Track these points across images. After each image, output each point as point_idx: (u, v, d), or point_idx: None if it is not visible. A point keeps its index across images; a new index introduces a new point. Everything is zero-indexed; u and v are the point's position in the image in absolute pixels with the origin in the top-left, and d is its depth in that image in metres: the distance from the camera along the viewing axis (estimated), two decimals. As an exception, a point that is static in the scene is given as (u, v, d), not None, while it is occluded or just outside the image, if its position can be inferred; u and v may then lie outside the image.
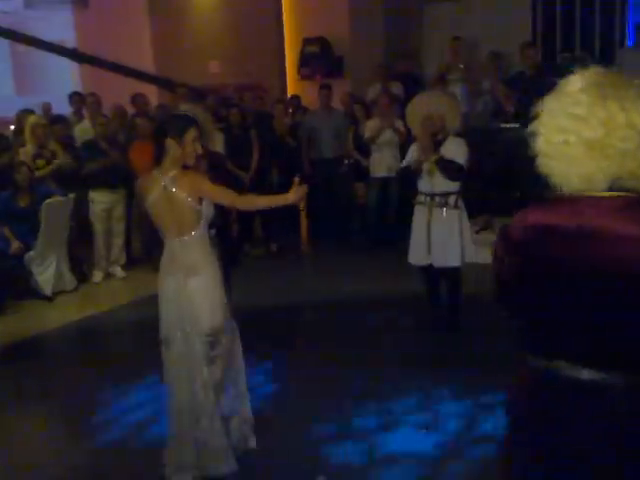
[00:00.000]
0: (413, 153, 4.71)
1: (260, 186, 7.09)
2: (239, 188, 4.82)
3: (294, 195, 3.04)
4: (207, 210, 3.15)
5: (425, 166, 4.55)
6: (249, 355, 3.50)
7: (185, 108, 5.00)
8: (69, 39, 10.19)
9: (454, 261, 4.62)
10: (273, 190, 7.50)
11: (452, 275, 4.74)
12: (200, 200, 3.10)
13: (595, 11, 9.09)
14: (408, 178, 4.77)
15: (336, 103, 8.17)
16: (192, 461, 3.13)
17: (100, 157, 6.58)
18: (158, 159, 3.21)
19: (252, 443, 3.39)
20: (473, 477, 3.18)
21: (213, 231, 3.99)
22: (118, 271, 6.92)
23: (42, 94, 9.43)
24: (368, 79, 8.65)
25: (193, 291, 3.10)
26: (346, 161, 7.77)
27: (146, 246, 7.24)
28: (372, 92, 8.27)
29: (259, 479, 3.30)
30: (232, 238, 5.50)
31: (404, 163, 4.82)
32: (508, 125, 7.01)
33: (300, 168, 7.87)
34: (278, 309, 5.53)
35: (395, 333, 4.97)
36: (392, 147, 7.19)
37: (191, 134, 3.13)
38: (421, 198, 4.67)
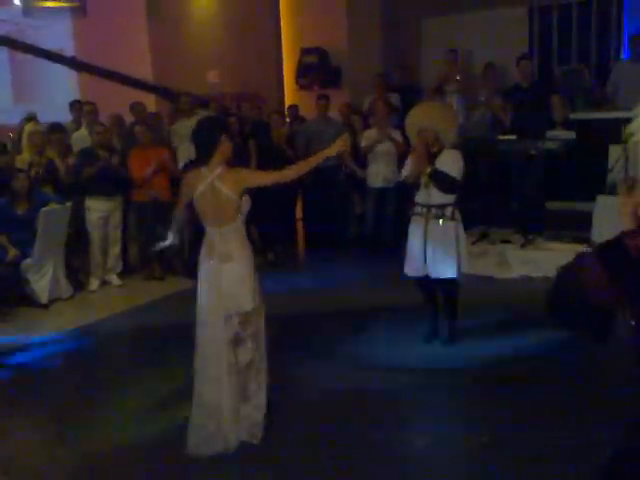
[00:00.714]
0: (409, 164, 4.74)
1: (257, 195, 7.09)
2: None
3: (335, 147, 3.45)
4: (245, 205, 3.47)
5: (422, 178, 4.57)
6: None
7: (202, 114, 5.03)
8: (68, 47, 10.20)
9: (450, 273, 4.63)
10: (271, 199, 7.53)
11: (449, 286, 4.75)
12: (241, 195, 3.43)
13: (591, 24, 9.17)
14: (406, 189, 4.79)
15: (334, 113, 8.21)
16: (211, 434, 3.42)
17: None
18: (209, 155, 3.44)
19: (259, 432, 3.53)
20: None
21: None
22: (114, 279, 6.91)
23: (41, 103, 9.44)
24: (365, 90, 8.70)
25: (227, 276, 3.43)
26: (344, 170, 7.79)
27: (142, 254, 7.25)
28: (369, 103, 8.31)
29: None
30: None
31: (402, 174, 4.83)
32: (504, 137, 7.05)
33: (297, 177, 7.90)
34: (275, 318, 5.53)
35: (392, 342, 4.97)
36: (389, 158, 7.22)
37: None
38: (418, 209, 4.67)
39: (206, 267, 3.48)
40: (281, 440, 3.57)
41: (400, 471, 3.32)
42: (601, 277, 1.61)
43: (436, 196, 4.58)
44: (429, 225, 4.60)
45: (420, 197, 4.65)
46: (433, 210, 4.59)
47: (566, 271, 1.67)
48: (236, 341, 3.46)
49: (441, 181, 4.49)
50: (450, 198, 4.59)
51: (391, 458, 3.41)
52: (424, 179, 4.55)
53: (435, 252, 4.60)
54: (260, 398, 3.55)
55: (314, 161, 3.56)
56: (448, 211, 4.59)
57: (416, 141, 4.63)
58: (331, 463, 3.37)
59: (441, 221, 4.57)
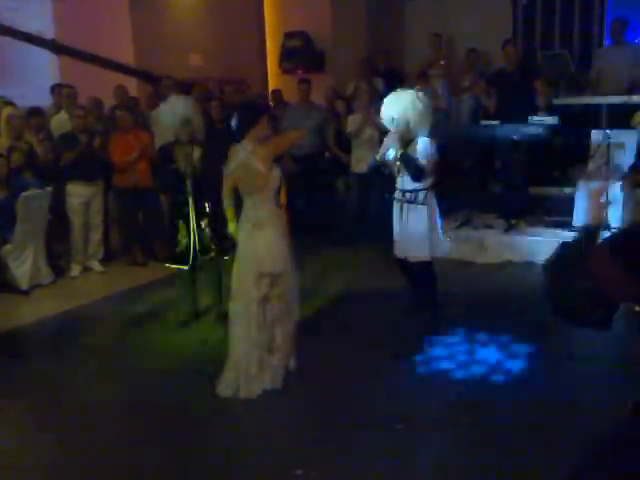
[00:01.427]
0: (383, 148, 4.89)
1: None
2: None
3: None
4: (274, 180, 3.96)
5: (397, 164, 4.74)
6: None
7: (175, 100, 5.01)
8: (48, 30, 10.03)
9: (421, 252, 4.75)
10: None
11: (421, 268, 4.84)
12: (270, 168, 3.92)
13: (575, 9, 9.17)
14: (378, 172, 5.04)
15: (318, 98, 8.16)
16: (239, 380, 3.93)
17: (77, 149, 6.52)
18: (245, 133, 3.96)
19: (280, 379, 3.99)
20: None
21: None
22: (96, 265, 6.85)
23: (20, 86, 9.28)
24: (350, 74, 8.65)
25: (259, 241, 3.92)
26: (327, 155, 7.77)
27: (124, 240, 7.19)
28: (353, 87, 8.27)
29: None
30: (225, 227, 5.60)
31: (376, 157, 4.97)
32: (488, 122, 7.05)
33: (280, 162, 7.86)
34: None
35: (380, 328, 4.99)
36: (373, 144, 7.18)
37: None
38: (395, 194, 4.86)
39: (243, 232, 3.98)
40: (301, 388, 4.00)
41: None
42: (616, 271, 1.54)
43: (408, 181, 4.74)
44: (404, 209, 4.77)
45: (397, 182, 4.83)
46: (407, 195, 4.76)
47: (567, 264, 1.63)
48: (265, 299, 3.95)
49: (408, 165, 4.66)
50: (422, 183, 4.72)
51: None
52: (397, 165, 4.73)
53: (408, 234, 4.76)
54: (284, 350, 4.04)
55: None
56: (420, 195, 4.73)
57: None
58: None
59: (414, 206, 4.72)
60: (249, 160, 3.90)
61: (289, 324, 4.07)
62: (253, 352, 3.93)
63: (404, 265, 4.92)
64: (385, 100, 4.87)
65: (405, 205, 4.76)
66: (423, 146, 4.68)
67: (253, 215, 3.95)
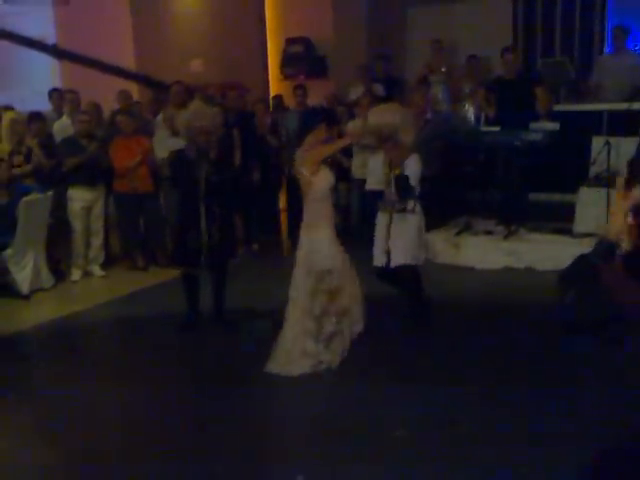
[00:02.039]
0: (376, 165, 5.07)
1: (242, 185, 7.07)
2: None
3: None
4: (320, 182, 4.30)
5: (389, 176, 4.79)
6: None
7: (200, 108, 5.06)
8: (49, 35, 10.06)
9: (408, 259, 4.76)
10: (254, 190, 7.50)
11: (407, 274, 4.85)
12: (315, 172, 4.27)
13: (575, 16, 9.19)
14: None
15: (320, 104, 8.17)
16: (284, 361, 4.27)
17: (80, 153, 6.53)
18: (304, 138, 4.48)
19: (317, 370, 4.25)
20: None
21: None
22: (97, 270, 6.85)
23: (21, 90, 9.30)
24: (351, 80, 8.68)
25: (309, 240, 4.36)
26: (329, 160, 7.75)
27: (125, 245, 7.19)
28: (354, 93, 8.29)
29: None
30: (234, 233, 5.72)
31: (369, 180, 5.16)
32: (488, 129, 7.07)
33: (282, 168, 7.87)
34: (254, 309, 5.55)
35: (375, 333, 4.98)
36: (373, 149, 7.20)
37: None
38: (381, 205, 4.87)
39: (301, 229, 4.41)
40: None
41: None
42: (632, 285, 1.56)
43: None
44: (392, 219, 4.78)
45: (385, 193, 4.83)
46: (396, 205, 4.78)
47: (583, 277, 1.63)
48: (314, 293, 4.28)
49: (401, 186, 4.72)
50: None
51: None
52: (388, 177, 4.79)
53: (394, 241, 4.78)
54: (329, 335, 4.31)
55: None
56: (410, 205, 4.75)
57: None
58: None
59: (403, 215, 4.74)
60: (297, 164, 4.36)
61: (343, 320, 4.37)
62: (298, 337, 4.26)
63: (385, 275, 4.90)
64: (371, 113, 4.87)
65: (395, 215, 4.77)
66: (414, 163, 4.74)
67: (305, 216, 4.37)
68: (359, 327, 4.52)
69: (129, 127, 6.84)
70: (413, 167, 4.75)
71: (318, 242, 4.33)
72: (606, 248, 1.69)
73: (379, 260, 4.86)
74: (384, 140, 4.73)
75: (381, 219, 4.87)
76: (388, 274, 4.89)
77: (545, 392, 3.90)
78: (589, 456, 3.14)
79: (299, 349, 4.27)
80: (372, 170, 5.91)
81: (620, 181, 1.72)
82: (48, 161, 6.59)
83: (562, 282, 1.65)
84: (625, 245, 1.72)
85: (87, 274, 6.80)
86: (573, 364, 4.27)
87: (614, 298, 1.53)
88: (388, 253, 4.79)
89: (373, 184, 5.65)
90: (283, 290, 5.99)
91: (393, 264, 4.80)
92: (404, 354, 4.57)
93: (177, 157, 5.18)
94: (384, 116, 4.72)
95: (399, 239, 4.76)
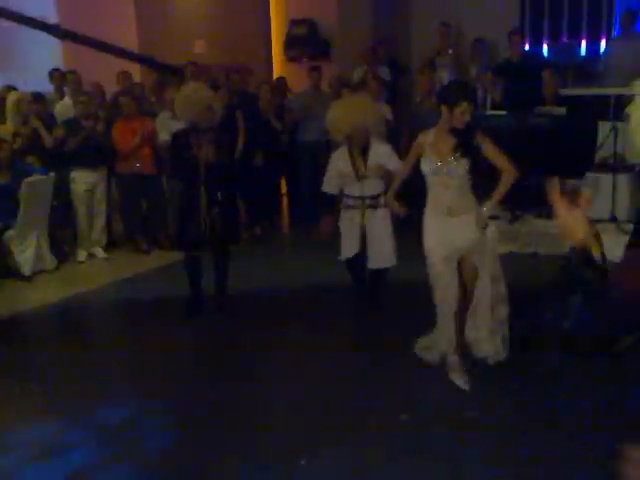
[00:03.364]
0: (338, 163, 4.75)
1: (245, 168, 7.03)
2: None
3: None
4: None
5: (357, 172, 4.66)
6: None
7: (198, 87, 4.99)
8: (51, 15, 9.97)
9: (388, 262, 4.77)
10: (258, 173, 7.45)
11: (383, 274, 4.88)
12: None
13: (583, 0, 9.07)
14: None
15: (323, 86, 8.10)
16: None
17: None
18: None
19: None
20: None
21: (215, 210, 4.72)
22: (99, 252, 6.83)
23: (22, 71, 9.23)
24: (355, 62, 8.59)
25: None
26: (332, 145, 7.70)
27: (128, 227, 7.16)
28: (358, 75, 8.21)
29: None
30: (236, 216, 5.54)
31: (328, 178, 4.83)
32: (494, 112, 7.00)
33: (285, 151, 7.82)
34: (259, 292, 5.53)
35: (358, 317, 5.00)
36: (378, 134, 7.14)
37: (461, 107, 3.65)
38: (349, 202, 4.75)
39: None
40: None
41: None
42: None
43: (369, 187, 4.69)
44: (365, 215, 4.70)
45: (353, 190, 4.72)
46: (367, 200, 4.71)
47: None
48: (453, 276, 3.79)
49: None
50: (381, 187, 4.68)
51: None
52: (360, 172, 4.65)
53: (373, 243, 4.73)
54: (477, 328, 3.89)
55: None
56: (382, 199, 4.66)
57: (353, 139, 4.64)
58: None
59: (377, 210, 4.67)
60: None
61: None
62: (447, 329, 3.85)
63: (353, 264, 4.88)
64: (336, 107, 4.79)
65: (368, 211, 4.69)
66: (389, 152, 4.67)
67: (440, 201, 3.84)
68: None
69: (132, 108, 6.79)
70: (388, 157, 4.64)
71: (458, 224, 3.88)
72: (583, 258, 1.62)
73: (350, 251, 4.79)
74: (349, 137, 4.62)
75: (349, 217, 4.75)
76: (356, 265, 4.86)
77: (545, 386, 3.89)
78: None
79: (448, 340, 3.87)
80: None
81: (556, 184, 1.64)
82: (51, 141, 6.55)
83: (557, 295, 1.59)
84: (595, 250, 1.65)
85: (90, 256, 6.78)
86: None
87: (630, 299, 1.47)
88: (363, 249, 4.74)
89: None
90: (284, 273, 6.02)
91: (371, 266, 4.80)
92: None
93: (176, 139, 5.07)
94: (352, 113, 4.61)
95: (378, 240, 4.71)
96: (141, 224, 7.08)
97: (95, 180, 6.68)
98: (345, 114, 4.66)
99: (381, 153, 4.66)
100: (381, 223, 4.71)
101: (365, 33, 9.25)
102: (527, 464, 3.11)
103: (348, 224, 4.78)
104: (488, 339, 3.89)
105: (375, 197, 4.70)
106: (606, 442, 3.01)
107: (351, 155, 4.70)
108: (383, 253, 4.74)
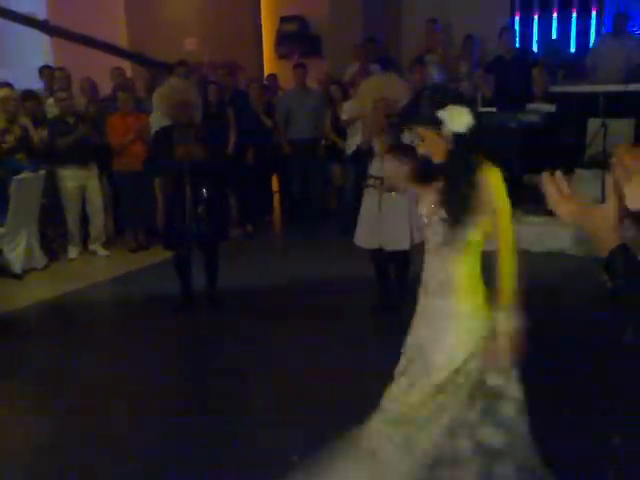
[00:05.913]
0: (363, 132, 4.68)
1: (236, 166, 7.03)
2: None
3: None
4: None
5: (377, 149, 4.52)
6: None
7: (175, 83, 4.96)
8: (40, 11, 9.90)
9: (403, 244, 4.63)
10: (249, 170, 7.45)
11: (401, 258, 4.77)
12: None
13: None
14: (361, 160, 4.76)
15: (313, 83, 8.10)
16: None
17: (68, 132, 6.45)
18: None
19: None
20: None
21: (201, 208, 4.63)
22: (100, 249, 6.81)
23: (12, 68, 9.17)
24: (346, 59, 8.59)
25: None
26: (323, 142, 7.72)
27: (130, 223, 7.08)
28: (350, 73, 8.21)
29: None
30: (224, 213, 5.53)
31: (355, 145, 4.78)
32: (485, 109, 7.02)
33: (276, 148, 7.82)
34: (248, 290, 5.54)
35: (354, 315, 4.98)
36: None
37: None
38: (371, 181, 4.66)
39: None
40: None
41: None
42: None
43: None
44: (383, 197, 4.58)
45: (374, 169, 4.61)
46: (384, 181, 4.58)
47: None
48: None
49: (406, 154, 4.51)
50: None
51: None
52: (380, 150, 4.46)
53: (388, 224, 4.61)
54: None
55: None
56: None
57: (373, 112, 4.55)
58: None
59: (393, 193, 4.51)
60: None
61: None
62: None
63: (376, 256, 4.79)
64: (367, 81, 4.75)
65: (385, 193, 4.56)
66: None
67: None
68: None
69: (129, 104, 6.77)
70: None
71: None
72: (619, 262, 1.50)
73: (369, 243, 4.72)
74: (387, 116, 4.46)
75: (370, 198, 4.67)
76: (380, 257, 4.78)
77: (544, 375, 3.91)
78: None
79: None
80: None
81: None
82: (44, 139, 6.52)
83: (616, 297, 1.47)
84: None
85: (90, 253, 6.76)
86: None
87: None
88: (380, 235, 4.63)
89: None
90: (275, 271, 6.02)
91: (387, 248, 4.68)
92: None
93: (157, 136, 5.01)
94: (382, 86, 4.56)
95: (392, 222, 4.58)
96: (136, 221, 7.03)
97: (84, 177, 6.64)
98: (370, 87, 4.63)
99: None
100: (397, 205, 4.56)
101: (355, 30, 9.27)
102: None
103: (367, 205, 4.68)
104: None
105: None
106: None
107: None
108: (396, 234, 4.59)
